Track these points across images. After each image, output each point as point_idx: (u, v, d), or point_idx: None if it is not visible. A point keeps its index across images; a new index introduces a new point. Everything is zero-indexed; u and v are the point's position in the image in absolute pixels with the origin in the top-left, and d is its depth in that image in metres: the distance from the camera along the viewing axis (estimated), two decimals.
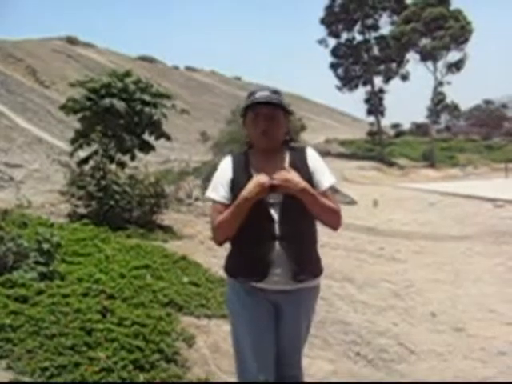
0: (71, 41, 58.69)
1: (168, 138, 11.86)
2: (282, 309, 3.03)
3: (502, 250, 10.15)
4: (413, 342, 5.61)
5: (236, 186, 2.94)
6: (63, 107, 11.51)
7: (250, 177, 2.90)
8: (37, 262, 5.27)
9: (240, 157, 3.08)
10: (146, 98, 11.25)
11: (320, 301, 6.56)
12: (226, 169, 3.04)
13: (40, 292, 4.75)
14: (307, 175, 2.94)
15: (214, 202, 3.01)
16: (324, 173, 3.03)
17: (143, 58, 63.48)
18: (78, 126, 12.36)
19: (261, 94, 2.95)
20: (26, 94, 34.24)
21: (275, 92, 3.01)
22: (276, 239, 2.90)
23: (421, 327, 6.14)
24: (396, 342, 5.60)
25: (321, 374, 4.64)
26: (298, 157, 3.03)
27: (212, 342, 4.77)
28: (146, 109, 11.11)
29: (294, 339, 3.10)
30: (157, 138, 11.66)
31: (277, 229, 2.90)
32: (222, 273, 3.24)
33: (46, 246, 5.41)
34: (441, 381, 4.80)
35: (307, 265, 3.00)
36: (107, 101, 10.62)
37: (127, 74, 11.68)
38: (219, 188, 3.00)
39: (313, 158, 3.05)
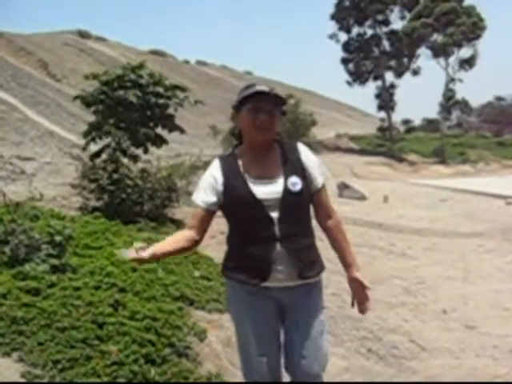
0: (83, 34, 58.68)
1: (182, 130, 11.81)
2: (286, 305, 2.99)
3: None
4: (424, 339, 5.58)
5: (229, 188, 2.90)
6: (77, 97, 11.48)
7: (241, 177, 2.89)
8: (49, 255, 5.28)
9: (228, 158, 3.02)
10: (160, 90, 11.21)
11: (332, 297, 6.58)
12: (214, 173, 2.96)
13: (52, 285, 4.77)
14: (301, 172, 2.93)
15: (198, 206, 2.96)
16: (318, 169, 3.01)
17: (154, 52, 63.37)
18: (89, 119, 12.35)
19: (260, 87, 2.90)
20: (38, 88, 34.29)
21: (272, 89, 2.94)
22: (276, 240, 2.86)
23: (432, 324, 6.11)
24: (407, 338, 5.58)
25: (335, 370, 4.62)
26: (291, 154, 2.99)
27: (224, 337, 4.77)
28: (161, 101, 11.07)
29: (305, 332, 2.97)
30: (170, 131, 11.62)
31: (276, 229, 2.85)
32: None
33: (58, 238, 5.42)
34: (453, 380, 4.77)
35: (311, 262, 2.98)
36: (121, 93, 10.60)
37: (140, 66, 11.65)
38: (206, 193, 2.93)
39: (306, 155, 3.02)
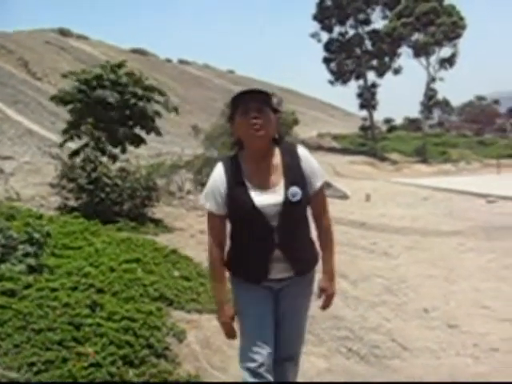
0: (64, 33, 58.27)
1: (159, 133, 11.78)
2: (282, 292, 3.14)
3: (494, 245, 10.09)
4: (405, 338, 5.56)
5: (231, 196, 2.98)
6: (53, 98, 11.39)
7: (243, 187, 2.96)
8: (26, 255, 5.19)
9: (231, 163, 3.06)
10: (139, 91, 11.14)
11: (313, 296, 6.54)
12: (219, 180, 3.03)
13: (28, 286, 4.68)
14: (301, 180, 3.00)
15: (210, 212, 3.06)
16: (316, 173, 3.09)
17: (136, 51, 63.10)
18: (69, 117, 12.26)
19: (245, 89, 2.97)
20: (18, 86, 34.02)
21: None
22: (275, 245, 2.98)
23: (414, 323, 6.10)
24: (389, 337, 5.56)
25: (315, 370, 4.60)
26: (291, 160, 3.04)
27: (203, 338, 4.72)
28: (140, 103, 11.02)
29: (296, 318, 3.24)
30: (148, 132, 11.58)
31: (275, 237, 2.97)
32: None
33: (36, 235, 5.34)
34: (436, 380, 4.76)
35: (307, 259, 3.16)
36: (99, 92, 10.52)
37: (120, 65, 11.57)
38: (214, 198, 3.02)
39: (305, 160, 3.07)
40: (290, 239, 3.00)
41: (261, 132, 2.89)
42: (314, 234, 3.20)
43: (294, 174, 3.00)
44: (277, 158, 3.03)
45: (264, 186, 2.97)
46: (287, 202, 2.93)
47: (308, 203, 3.08)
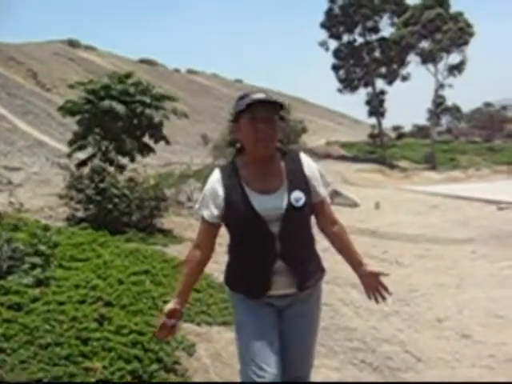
0: (72, 44, 58.53)
1: (167, 141, 11.74)
2: (285, 310, 2.97)
3: (506, 253, 9.97)
4: (419, 349, 5.46)
5: (230, 203, 2.84)
6: (60, 108, 11.39)
7: (242, 191, 2.82)
8: (32, 267, 5.14)
9: (229, 169, 2.93)
10: (147, 100, 11.11)
11: (324, 306, 6.42)
12: (216, 187, 2.89)
13: (35, 299, 4.62)
14: (304, 185, 2.87)
15: (203, 219, 2.93)
16: (320, 180, 2.97)
17: (144, 61, 63.35)
18: (78, 128, 12.26)
19: (258, 95, 2.81)
20: (27, 97, 34.15)
21: (268, 93, 2.88)
22: (277, 255, 2.82)
23: (427, 333, 5.99)
24: (402, 349, 5.46)
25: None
26: (294, 165, 2.92)
27: (213, 351, 4.64)
28: (147, 111, 10.98)
29: (302, 338, 3.03)
30: (156, 141, 11.54)
31: (277, 245, 2.81)
32: (222, 278, 3.12)
33: (42, 247, 5.29)
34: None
35: (310, 273, 2.96)
36: (106, 103, 10.49)
37: (128, 75, 11.55)
38: (210, 207, 2.89)
39: (309, 166, 2.96)
40: (292, 249, 2.84)
41: (266, 140, 2.79)
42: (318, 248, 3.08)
43: (297, 178, 2.87)
44: (279, 163, 2.91)
45: (265, 190, 2.83)
46: (290, 207, 2.79)
47: (311, 212, 2.94)
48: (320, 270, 3.05)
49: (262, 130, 2.76)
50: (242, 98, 2.88)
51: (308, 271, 2.94)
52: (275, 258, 2.82)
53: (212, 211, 2.87)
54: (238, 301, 3.00)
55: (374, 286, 2.99)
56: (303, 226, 2.91)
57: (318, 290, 3.07)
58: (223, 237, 3.02)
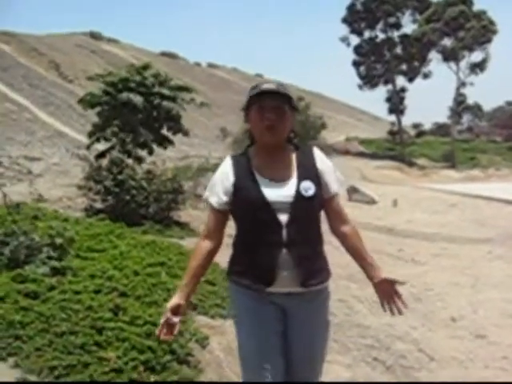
0: (95, 36, 58.87)
1: (186, 133, 11.71)
2: (290, 312, 2.88)
3: None
4: (433, 348, 5.44)
5: (239, 189, 2.81)
6: (80, 100, 11.47)
7: (253, 178, 2.81)
8: (49, 257, 5.19)
9: (241, 157, 2.94)
10: (165, 91, 11.13)
11: (339, 303, 6.46)
12: (226, 172, 2.88)
13: (51, 288, 4.67)
14: (315, 178, 2.83)
15: (212, 207, 2.91)
16: (333, 175, 2.93)
17: (165, 54, 63.56)
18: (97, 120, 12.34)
19: (267, 86, 2.81)
20: (49, 89, 34.41)
21: (281, 84, 2.85)
22: (282, 245, 2.75)
23: (441, 332, 5.97)
24: (415, 347, 5.44)
25: (337, 380, 4.51)
26: (306, 158, 2.90)
27: (226, 344, 4.66)
28: (164, 102, 10.99)
29: (306, 343, 2.92)
30: (174, 133, 11.53)
31: (284, 234, 2.75)
32: None
33: (58, 240, 5.34)
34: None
35: (316, 270, 2.87)
36: (124, 95, 10.52)
37: (146, 66, 11.58)
38: (218, 193, 2.87)
39: (321, 160, 2.92)
40: (298, 240, 2.76)
41: (274, 133, 2.78)
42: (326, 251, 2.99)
43: (308, 170, 2.84)
44: (290, 155, 2.90)
45: (275, 178, 2.80)
46: (299, 197, 2.75)
47: (321, 207, 2.89)
48: (326, 272, 2.96)
49: (269, 118, 2.76)
50: (253, 88, 2.88)
51: (313, 269, 2.85)
52: (281, 248, 2.74)
53: (220, 197, 2.85)
54: (238, 296, 2.93)
55: (388, 294, 2.86)
56: (311, 218, 2.85)
57: (325, 293, 2.98)
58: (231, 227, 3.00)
